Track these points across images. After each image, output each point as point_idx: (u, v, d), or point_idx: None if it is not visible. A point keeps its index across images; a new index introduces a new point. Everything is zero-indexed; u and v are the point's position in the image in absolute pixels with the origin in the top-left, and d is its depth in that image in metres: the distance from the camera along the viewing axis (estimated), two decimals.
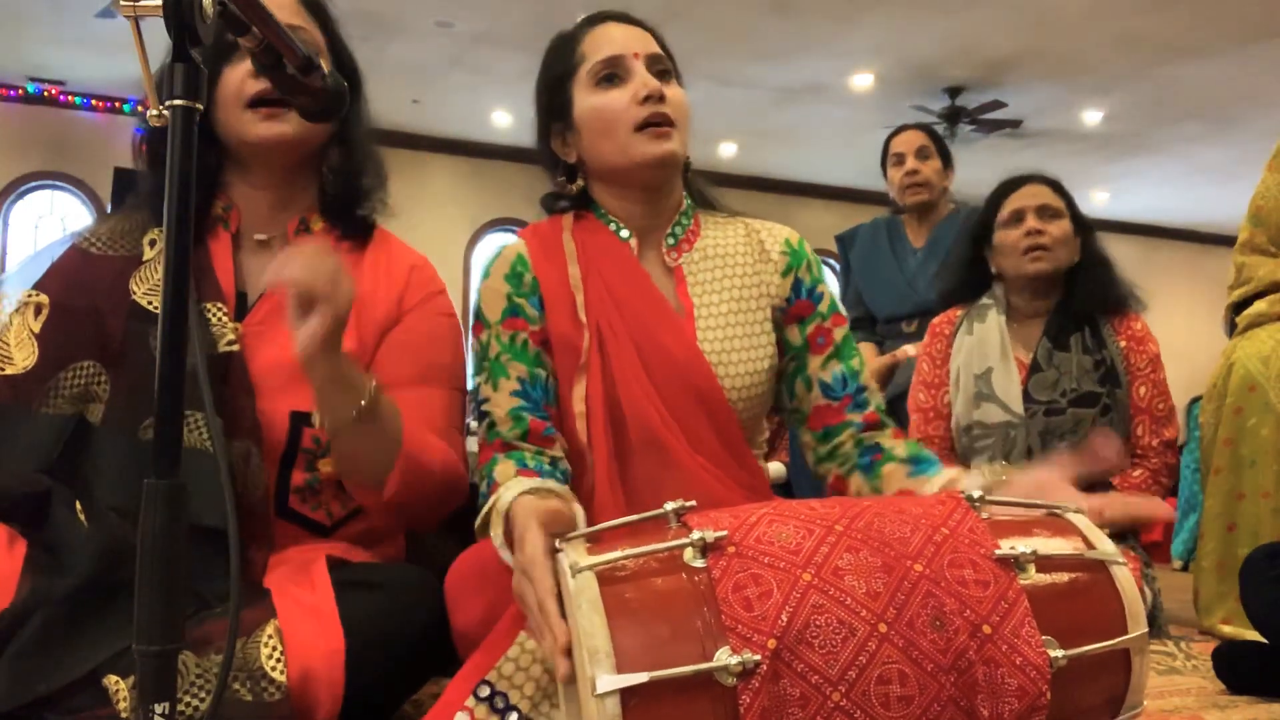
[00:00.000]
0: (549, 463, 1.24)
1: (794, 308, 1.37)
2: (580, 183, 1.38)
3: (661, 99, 1.29)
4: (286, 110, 1.28)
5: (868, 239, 3.20)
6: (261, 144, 1.31)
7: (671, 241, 1.37)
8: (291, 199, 1.38)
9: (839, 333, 1.38)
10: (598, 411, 1.27)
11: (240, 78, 1.28)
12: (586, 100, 1.33)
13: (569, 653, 0.87)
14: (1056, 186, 2.34)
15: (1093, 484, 2.22)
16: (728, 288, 1.36)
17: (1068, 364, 2.23)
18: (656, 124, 1.29)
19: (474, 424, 1.34)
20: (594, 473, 1.26)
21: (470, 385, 1.35)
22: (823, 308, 1.38)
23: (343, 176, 1.38)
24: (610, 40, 1.34)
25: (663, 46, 1.37)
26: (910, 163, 3.04)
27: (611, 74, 1.32)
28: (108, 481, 1.22)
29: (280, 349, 1.30)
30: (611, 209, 1.37)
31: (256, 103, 1.29)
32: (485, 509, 1.13)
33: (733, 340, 1.33)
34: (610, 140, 1.31)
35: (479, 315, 1.34)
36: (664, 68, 1.34)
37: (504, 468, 1.19)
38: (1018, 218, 2.28)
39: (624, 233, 1.36)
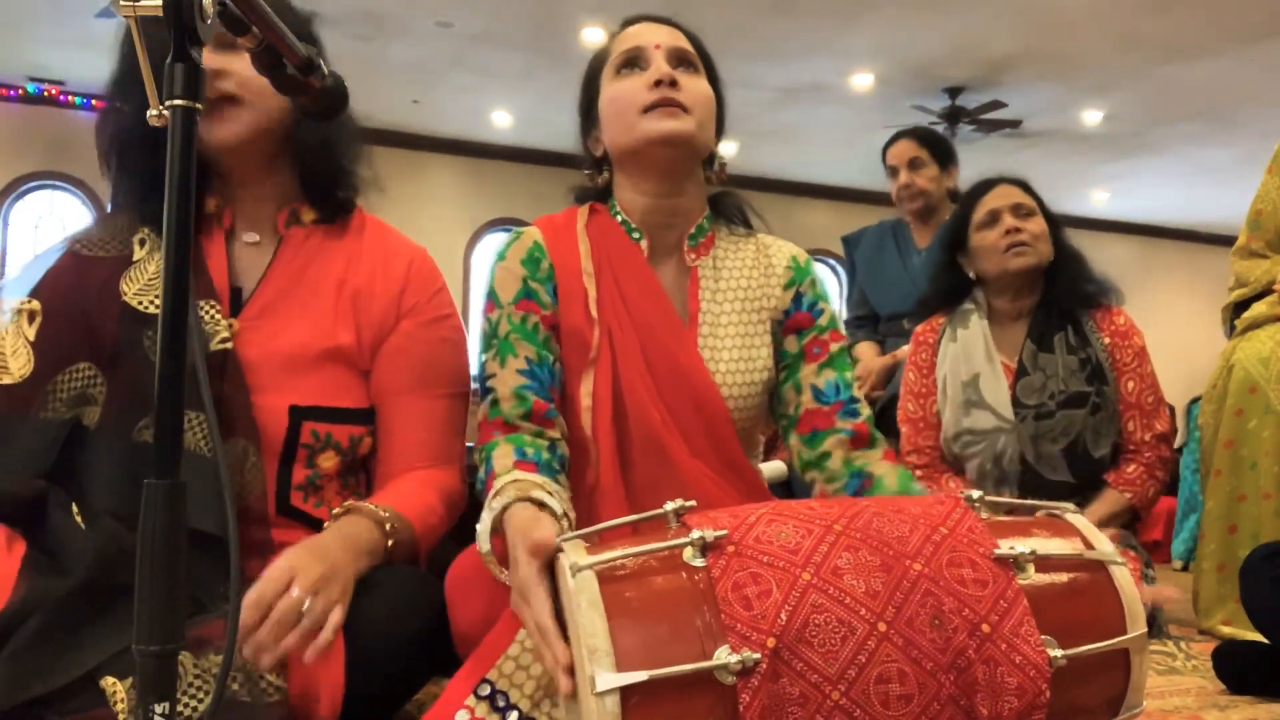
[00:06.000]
0: (547, 448, 1.24)
1: (792, 319, 1.39)
2: (606, 175, 1.42)
3: (674, 84, 1.31)
4: (233, 106, 1.27)
5: (873, 240, 3.23)
6: (215, 147, 1.29)
7: (692, 243, 1.39)
8: (274, 191, 1.37)
9: (835, 346, 1.40)
10: (604, 407, 1.28)
11: None
12: (607, 90, 1.37)
13: (571, 672, 0.88)
14: (1025, 186, 2.34)
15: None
16: (733, 299, 1.37)
17: (1053, 365, 2.22)
18: (665, 106, 1.30)
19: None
20: (599, 467, 1.28)
21: (478, 361, 1.35)
22: (822, 322, 1.40)
23: (320, 150, 1.36)
24: (634, 35, 1.38)
25: (696, 46, 1.40)
26: (903, 176, 3.08)
27: (630, 62, 1.35)
28: (104, 485, 1.22)
29: (278, 342, 1.30)
30: (626, 204, 1.39)
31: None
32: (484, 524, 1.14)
33: (733, 350, 1.35)
34: (621, 123, 1.34)
35: (491, 295, 1.35)
36: (687, 61, 1.36)
37: (502, 454, 1.20)
38: (994, 218, 2.28)
39: (635, 234, 1.38)
